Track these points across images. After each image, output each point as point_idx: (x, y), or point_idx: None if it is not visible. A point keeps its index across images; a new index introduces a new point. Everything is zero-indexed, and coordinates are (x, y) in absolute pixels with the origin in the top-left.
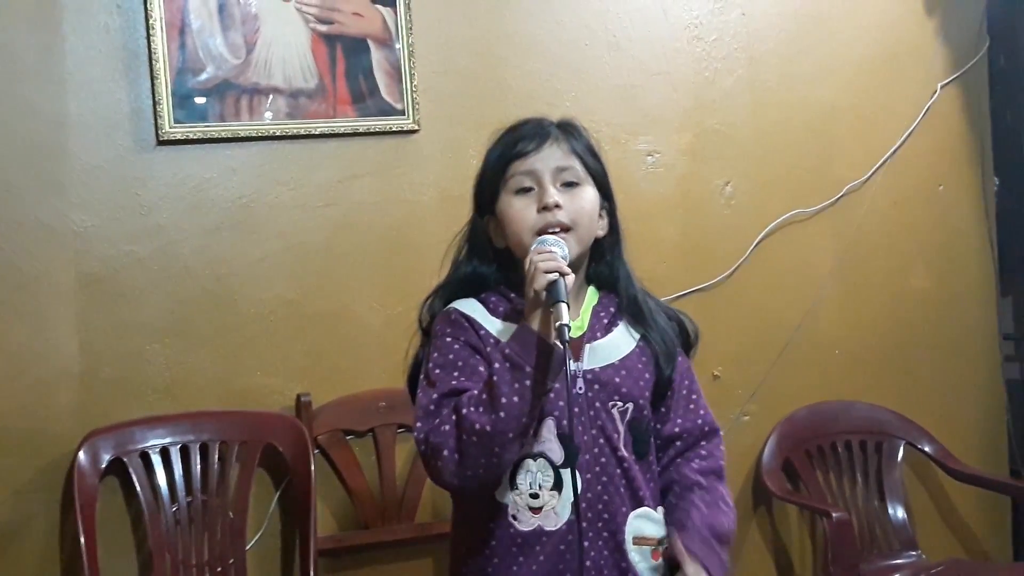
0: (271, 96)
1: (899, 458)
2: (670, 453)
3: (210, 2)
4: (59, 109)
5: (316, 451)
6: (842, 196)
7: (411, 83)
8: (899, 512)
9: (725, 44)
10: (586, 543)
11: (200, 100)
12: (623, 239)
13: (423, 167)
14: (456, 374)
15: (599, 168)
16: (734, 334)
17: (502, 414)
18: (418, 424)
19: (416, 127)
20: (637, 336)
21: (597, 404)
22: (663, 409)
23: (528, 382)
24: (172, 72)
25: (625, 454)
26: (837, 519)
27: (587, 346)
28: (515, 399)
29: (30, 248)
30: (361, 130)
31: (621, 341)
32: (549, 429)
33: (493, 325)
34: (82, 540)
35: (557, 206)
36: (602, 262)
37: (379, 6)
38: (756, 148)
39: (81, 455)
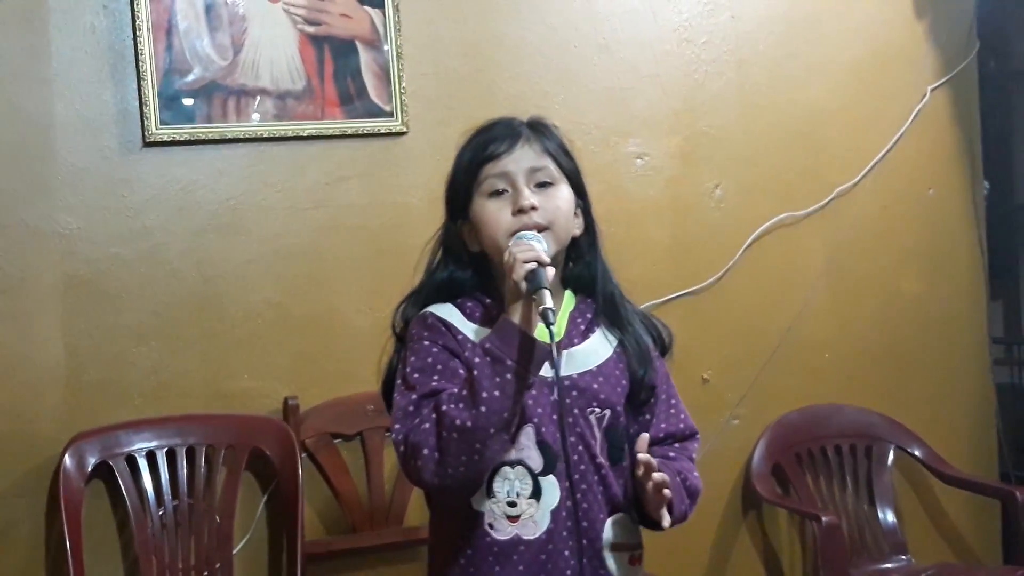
0: (258, 98)
1: (889, 462)
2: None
3: (197, 3)
4: (45, 110)
5: (303, 455)
6: (832, 199)
7: (399, 85)
8: (889, 516)
9: (715, 47)
10: (566, 552)
11: (187, 101)
12: (600, 237)
13: (411, 169)
14: (436, 377)
15: (572, 166)
16: (724, 337)
17: (483, 408)
18: (396, 426)
19: (404, 129)
20: (614, 342)
21: (575, 411)
22: (647, 415)
23: (509, 375)
24: (159, 73)
25: (602, 461)
26: (827, 523)
27: (564, 352)
28: (496, 393)
29: (15, 250)
30: (349, 132)
31: (599, 347)
32: (528, 436)
33: (470, 330)
34: (68, 544)
35: (533, 208)
36: (580, 262)
37: (367, 7)
38: (746, 151)
39: (67, 458)
